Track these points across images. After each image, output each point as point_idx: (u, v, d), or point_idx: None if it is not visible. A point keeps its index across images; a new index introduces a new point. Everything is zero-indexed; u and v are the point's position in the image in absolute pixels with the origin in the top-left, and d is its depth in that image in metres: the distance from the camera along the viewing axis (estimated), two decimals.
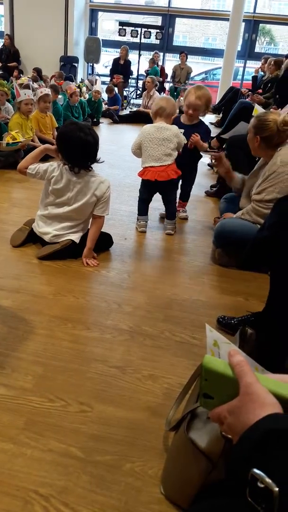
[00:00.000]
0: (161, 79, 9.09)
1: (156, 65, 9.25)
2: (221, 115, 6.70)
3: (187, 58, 9.34)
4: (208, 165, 4.73)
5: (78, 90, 6.17)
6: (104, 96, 7.91)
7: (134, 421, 1.35)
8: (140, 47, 9.39)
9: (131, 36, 9.35)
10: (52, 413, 1.35)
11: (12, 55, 9.50)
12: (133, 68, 9.66)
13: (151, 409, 1.40)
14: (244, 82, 9.92)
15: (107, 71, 9.76)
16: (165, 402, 1.42)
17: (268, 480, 0.50)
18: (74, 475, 1.16)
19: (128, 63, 9.37)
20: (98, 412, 1.37)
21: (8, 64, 9.24)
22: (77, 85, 7.12)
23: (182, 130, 2.79)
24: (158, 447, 1.26)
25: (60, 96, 6.12)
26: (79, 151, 2.23)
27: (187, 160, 2.91)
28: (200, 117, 2.92)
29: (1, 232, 2.63)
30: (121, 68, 9.24)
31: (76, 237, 2.36)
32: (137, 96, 9.56)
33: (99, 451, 1.23)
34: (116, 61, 9.37)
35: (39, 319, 1.83)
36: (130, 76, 9.58)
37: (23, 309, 1.89)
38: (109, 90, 7.89)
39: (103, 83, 8.94)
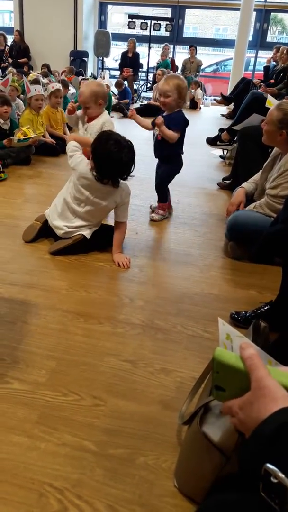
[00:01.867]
0: (171, 71, 9.03)
1: (167, 58, 9.18)
2: (232, 106, 6.63)
3: (196, 51, 9.24)
4: (220, 156, 4.69)
5: None
6: (114, 90, 7.88)
7: (147, 414, 1.35)
8: (150, 39, 9.30)
9: (141, 28, 9.27)
10: (65, 407, 1.36)
11: (22, 51, 9.52)
12: (143, 61, 9.59)
13: (164, 403, 1.40)
14: (256, 72, 9.79)
15: (117, 65, 9.70)
16: (177, 395, 1.42)
17: (281, 475, 0.49)
18: (87, 469, 1.17)
19: (136, 56, 9.29)
20: (111, 406, 1.38)
21: (19, 60, 9.27)
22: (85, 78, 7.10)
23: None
24: (171, 440, 1.27)
25: (74, 91, 6.11)
26: (112, 169, 2.20)
27: (160, 153, 2.84)
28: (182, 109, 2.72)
29: (14, 228, 2.65)
30: (129, 61, 9.18)
31: (87, 233, 2.36)
32: (147, 89, 9.51)
33: (113, 445, 1.24)
34: (124, 55, 9.31)
35: (52, 314, 1.84)
36: (140, 69, 9.52)
37: (36, 304, 1.90)
38: (118, 84, 7.86)
39: (113, 77, 8.90)
